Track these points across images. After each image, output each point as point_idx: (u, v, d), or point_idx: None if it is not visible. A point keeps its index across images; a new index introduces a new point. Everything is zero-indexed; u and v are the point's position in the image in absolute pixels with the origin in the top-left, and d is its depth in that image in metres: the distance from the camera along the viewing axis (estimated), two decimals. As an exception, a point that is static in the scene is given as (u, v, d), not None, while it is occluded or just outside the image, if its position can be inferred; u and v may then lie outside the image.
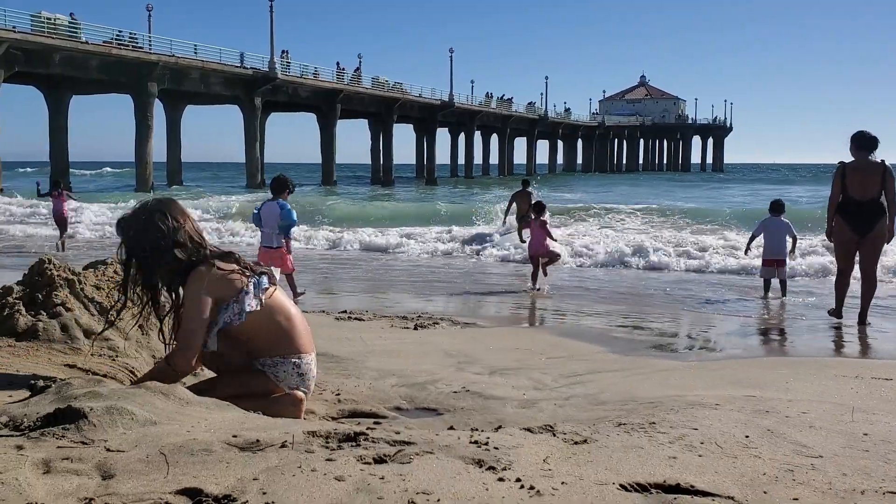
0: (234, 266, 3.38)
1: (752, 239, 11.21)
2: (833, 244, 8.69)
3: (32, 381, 2.74)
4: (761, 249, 11.11)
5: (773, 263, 10.70)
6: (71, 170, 49.91)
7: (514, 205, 17.27)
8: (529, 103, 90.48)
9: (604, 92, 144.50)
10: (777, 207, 11.05)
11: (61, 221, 17.41)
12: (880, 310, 8.95)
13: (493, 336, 6.84)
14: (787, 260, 10.93)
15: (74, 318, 3.81)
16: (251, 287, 3.35)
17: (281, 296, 3.50)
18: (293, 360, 3.43)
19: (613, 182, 67.31)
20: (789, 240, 10.91)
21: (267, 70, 50.39)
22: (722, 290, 11.40)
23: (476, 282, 12.35)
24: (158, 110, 47.79)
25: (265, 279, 3.42)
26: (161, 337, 3.65)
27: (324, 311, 8.27)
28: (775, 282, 10.72)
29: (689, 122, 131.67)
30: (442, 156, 78.33)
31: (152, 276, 3.39)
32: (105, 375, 3.44)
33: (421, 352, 5.61)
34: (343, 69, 59.45)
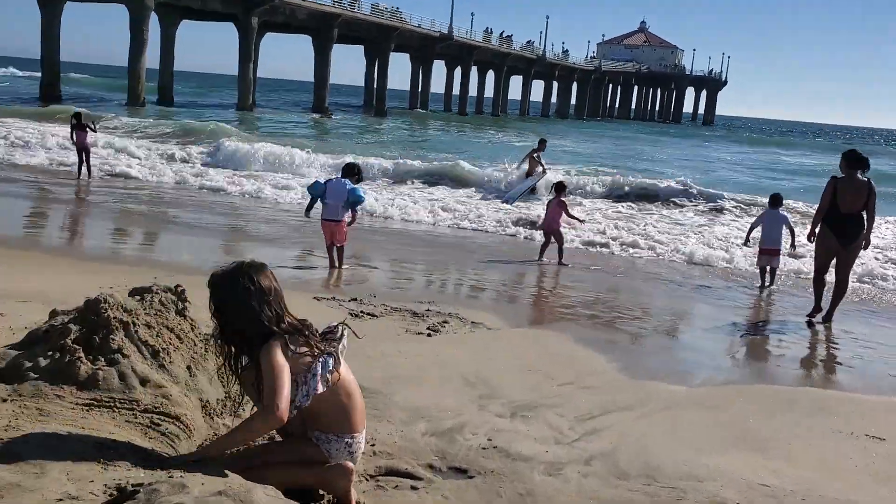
0: (305, 349, 3.50)
1: (751, 229, 11.95)
2: (815, 248, 9.56)
3: (119, 483, 2.90)
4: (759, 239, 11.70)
5: (769, 253, 11.44)
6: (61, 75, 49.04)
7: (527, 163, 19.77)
8: (528, 42, 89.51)
9: (603, 35, 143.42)
10: (775, 201, 11.90)
11: (85, 151, 18.29)
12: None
13: (503, 348, 7.04)
14: (782, 250, 11.65)
15: (131, 366, 3.96)
16: (319, 368, 3.50)
17: (345, 373, 3.64)
18: (346, 439, 3.62)
19: (602, 131, 67.15)
20: (786, 231, 11.59)
21: (266, -11, 49.37)
22: (709, 278, 12.19)
23: (480, 251, 12.77)
24: (153, 23, 46.79)
25: (331, 361, 3.56)
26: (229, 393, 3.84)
27: (334, 298, 8.44)
28: None
29: (685, 72, 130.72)
30: (437, 86, 77.64)
31: (234, 333, 3.53)
32: (175, 436, 3.62)
33: (441, 377, 5.82)
34: (342, -7, 58.27)
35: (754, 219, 12.50)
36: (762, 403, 6.15)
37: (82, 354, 3.93)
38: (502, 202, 17.65)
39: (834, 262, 9.44)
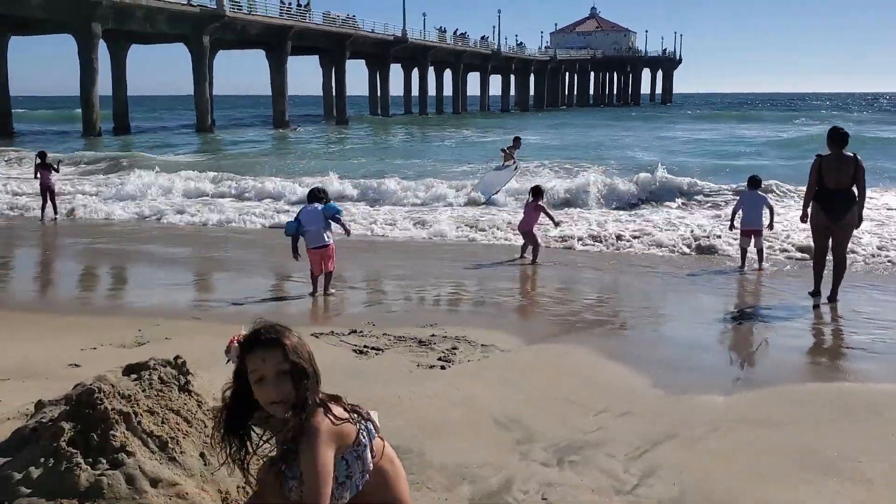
0: (345, 414, 2.98)
1: (733, 214, 12.08)
2: (810, 229, 9.67)
3: None
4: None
5: (751, 234, 11.60)
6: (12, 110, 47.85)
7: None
8: (482, 38, 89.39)
9: (555, 25, 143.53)
10: (754, 182, 12.06)
11: (50, 191, 17.64)
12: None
13: (523, 374, 6.57)
14: (764, 231, 11.70)
15: (139, 466, 3.44)
16: (366, 438, 3.01)
17: (385, 441, 3.16)
18: None
19: (564, 120, 67.05)
20: (766, 211, 11.72)
21: (215, 7, 48.49)
22: (700, 264, 12.18)
23: (466, 258, 12.48)
24: (102, 50, 45.76)
25: (370, 425, 3.07)
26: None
27: (333, 333, 7.92)
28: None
29: (640, 54, 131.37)
30: (395, 88, 77.24)
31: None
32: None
33: (469, 422, 5.34)
34: (289, 5, 57.46)
35: (735, 203, 12.59)
36: (809, 410, 5.76)
37: (81, 459, 3.40)
38: (476, 193, 17.39)
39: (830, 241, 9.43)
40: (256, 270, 12.15)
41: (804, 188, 10.08)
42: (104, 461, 3.43)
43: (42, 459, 3.43)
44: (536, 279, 11.36)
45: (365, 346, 7.38)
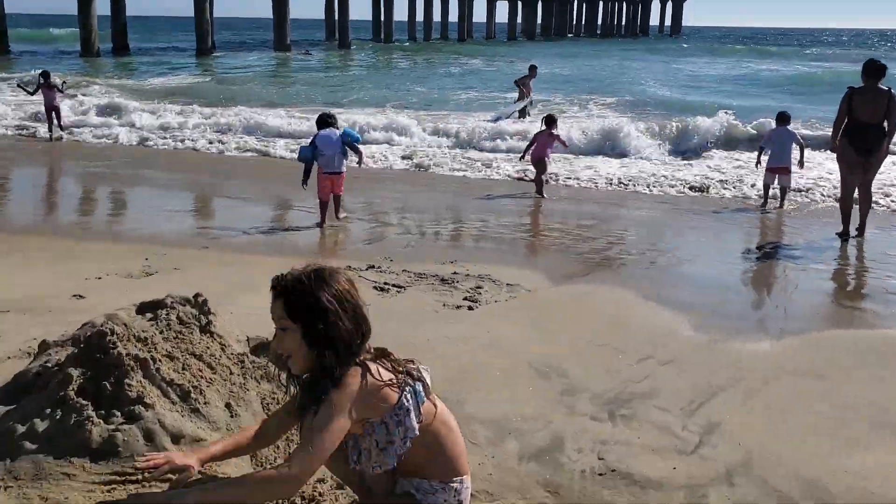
0: (390, 375, 2.63)
1: (761, 150, 11.64)
2: (838, 165, 9.43)
3: None
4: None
5: (776, 171, 11.25)
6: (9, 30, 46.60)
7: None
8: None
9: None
10: (783, 118, 11.52)
11: (55, 111, 17.17)
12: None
13: (555, 317, 6.17)
14: (792, 169, 11.29)
15: (158, 420, 3.03)
16: (410, 400, 2.63)
17: (438, 401, 2.80)
18: (454, 485, 2.76)
19: (572, 50, 65.54)
20: (796, 149, 11.24)
21: (216, -77, 46.76)
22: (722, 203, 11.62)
23: (472, 191, 12.00)
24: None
25: (420, 386, 2.69)
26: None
27: (350, 267, 7.49)
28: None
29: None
30: (399, 13, 75.49)
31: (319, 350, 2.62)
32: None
33: (507, 369, 4.94)
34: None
35: (763, 139, 12.04)
36: (858, 360, 5.39)
37: (92, 412, 2.98)
38: (492, 122, 16.73)
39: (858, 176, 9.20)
40: (260, 198, 11.69)
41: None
42: (119, 414, 3.02)
43: (48, 410, 3.01)
44: (555, 214, 10.89)
45: (385, 284, 6.96)
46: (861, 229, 9.21)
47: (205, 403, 3.26)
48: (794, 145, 11.24)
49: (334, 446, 2.54)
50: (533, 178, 12.30)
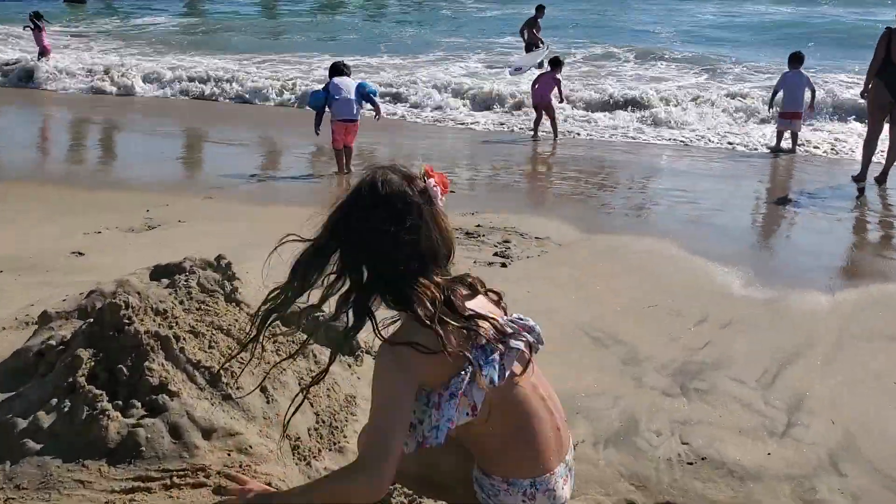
0: (464, 322, 1.98)
1: (773, 95, 11.23)
2: (867, 106, 8.96)
3: None
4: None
5: (790, 116, 10.78)
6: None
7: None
8: None
9: None
10: (796, 59, 10.98)
11: (45, 53, 16.95)
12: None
13: (597, 276, 5.67)
14: (804, 113, 10.89)
15: (186, 411, 2.53)
16: (466, 381, 1.97)
17: (530, 377, 2.12)
18: (524, 487, 2.09)
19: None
20: (808, 93, 10.84)
21: None
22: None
23: (478, 137, 11.37)
24: None
25: (514, 347, 2.06)
26: None
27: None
28: None
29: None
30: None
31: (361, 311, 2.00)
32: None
33: (560, 336, 4.41)
34: None
35: (775, 82, 11.47)
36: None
37: (108, 403, 2.49)
38: (510, 74, 15.75)
39: (887, 119, 8.74)
40: (263, 146, 11.13)
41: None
42: (139, 405, 2.53)
43: (54, 401, 2.52)
44: (570, 161, 10.34)
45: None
46: (882, 177, 8.78)
47: (237, 388, 2.77)
48: (806, 89, 10.79)
49: (404, 410, 1.94)
50: (536, 122, 11.95)
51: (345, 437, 3.02)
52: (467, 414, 1.99)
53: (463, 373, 1.98)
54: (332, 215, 2.01)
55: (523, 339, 2.10)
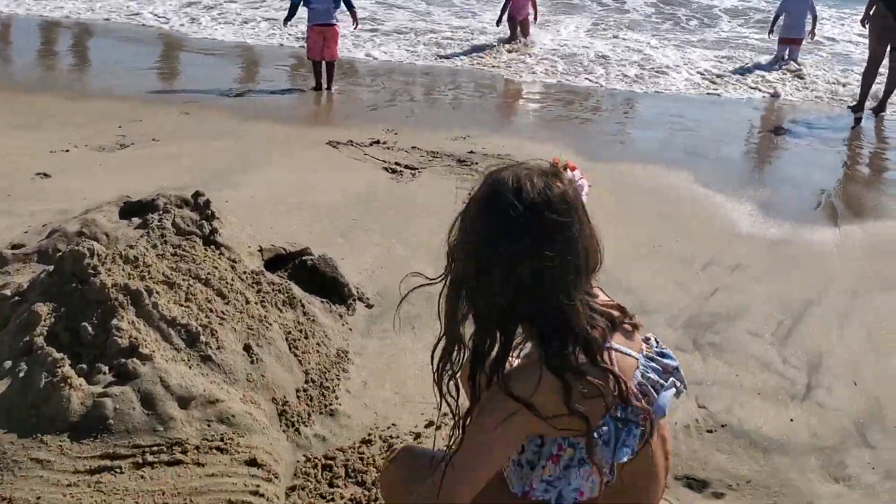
0: (605, 376, 1.52)
1: (775, 19, 10.82)
2: (868, 32, 8.57)
3: None
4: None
5: (789, 42, 10.53)
6: None
7: None
8: None
9: None
10: None
11: None
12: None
13: (597, 212, 5.30)
14: (805, 40, 10.59)
15: (160, 378, 2.23)
16: (604, 437, 1.55)
17: (661, 440, 1.69)
18: None
19: None
20: (809, 18, 10.49)
21: None
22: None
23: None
24: None
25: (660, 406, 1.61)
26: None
27: (352, 143, 6.59)
28: None
29: None
30: None
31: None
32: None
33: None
34: None
35: (778, 6, 10.99)
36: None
37: (70, 369, 2.18)
38: None
39: (888, 49, 8.42)
40: (241, 56, 10.57)
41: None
42: (105, 370, 2.22)
43: (7, 364, 2.21)
44: (552, 85, 9.90)
45: (397, 164, 6.09)
46: (882, 106, 8.52)
47: (218, 348, 2.47)
48: (808, 14, 10.40)
49: (498, 457, 1.56)
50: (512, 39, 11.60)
51: (336, 398, 2.75)
52: (593, 483, 1.60)
53: (602, 432, 1.55)
54: (465, 239, 1.55)
55: (671, 388, 1.64)
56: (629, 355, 1.60)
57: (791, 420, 3.05)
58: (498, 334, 1.55)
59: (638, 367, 1.61)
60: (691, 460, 2.79)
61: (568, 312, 1.51)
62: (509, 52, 11.23)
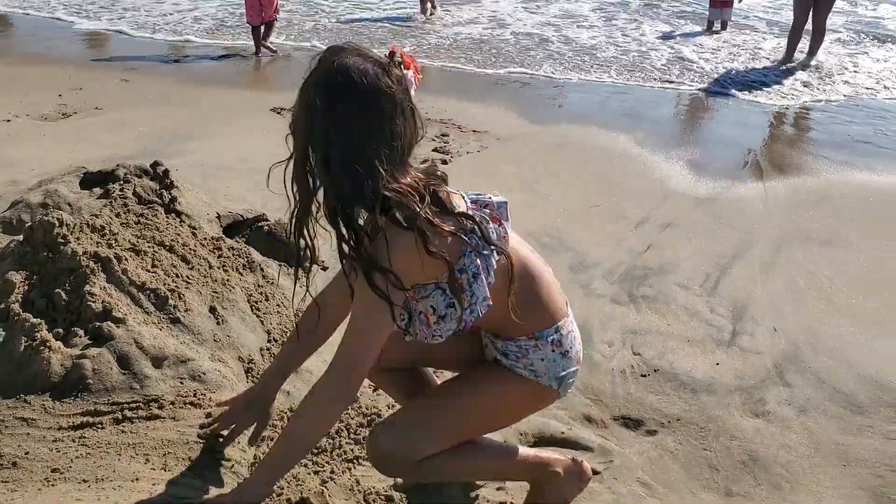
0: (449, 227, 1.78)
1: None
2: None
3: None
4: None
5: (720, 4, 10.76)
6: None
7: None
8: None
9: None
10: None
11: None
12: None
13: (542, 175, 5.57)
14: (735, 2, 10.84)
15: (134, 339, 2.37)
16: (473, 264, 1.83)
17: (517, 245, 2.01)
18: (549, 336, 1.99)
19: None
20: None
21: None
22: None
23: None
24: None
25: (492, 227, 1.88)
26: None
27: (282, 110, 6.65)
28: None
29: None
30: None
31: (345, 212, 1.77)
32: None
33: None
34: None
35: None
36: (852, 216, 5.04)
37: (48, 333, 2.31)
38: None
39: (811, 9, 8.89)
40: (176, 17, 10.46)
41: None
42: (81, 333, 2.35)
43: (-13, 331, 2.32)
44: (485, 39, 10.08)
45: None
46: (808, 60, 9.06)
47: (186, 310, 2.61)
48: None
49: (386, 323, 1.81)
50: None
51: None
52: (493, 277, 1.88)
53: (468, 263, 1.83)
54: (303, 118, 1.76)
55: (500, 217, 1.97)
56: (456, 192, 1.90)
57: (717, 364, 3.33)
58: (341, 223, 1.76)
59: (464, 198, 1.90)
60: (627, 402, 3.04)
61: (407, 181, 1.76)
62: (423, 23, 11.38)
